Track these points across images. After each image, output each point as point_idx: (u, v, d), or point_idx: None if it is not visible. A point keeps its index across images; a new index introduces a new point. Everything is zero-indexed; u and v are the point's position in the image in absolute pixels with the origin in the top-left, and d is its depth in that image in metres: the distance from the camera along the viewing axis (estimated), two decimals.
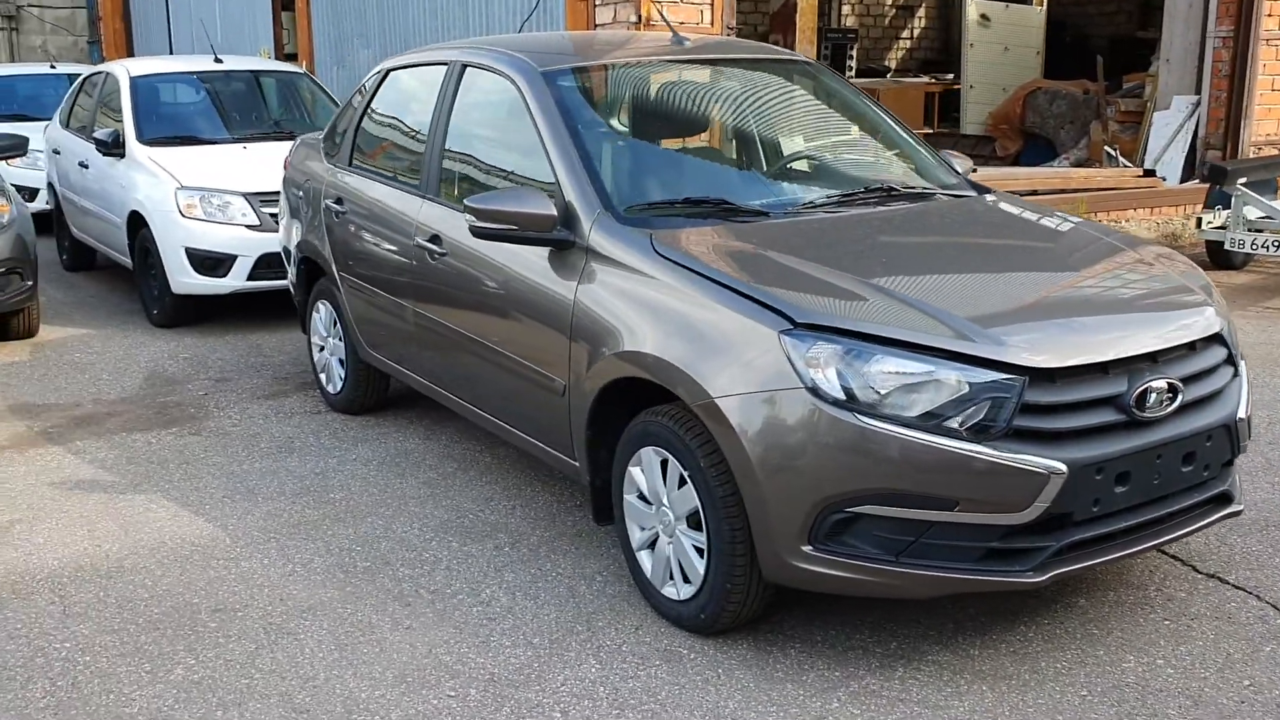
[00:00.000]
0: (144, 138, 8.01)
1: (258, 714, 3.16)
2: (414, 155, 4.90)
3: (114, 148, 7.98)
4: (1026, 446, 3.02)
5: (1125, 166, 11.00)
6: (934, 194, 4.28)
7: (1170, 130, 11.13)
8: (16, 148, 7.97)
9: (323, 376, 5.88)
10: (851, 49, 20.27)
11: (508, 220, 3.82)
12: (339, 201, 5.34)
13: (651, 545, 3.63)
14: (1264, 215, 8.35)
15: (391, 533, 4.31)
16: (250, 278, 7.27)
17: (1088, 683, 3.24)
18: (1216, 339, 3.46)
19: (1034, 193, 9.69)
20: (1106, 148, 11.53)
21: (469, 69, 4.64)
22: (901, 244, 3.75)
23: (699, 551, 3.40)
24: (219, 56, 8.96)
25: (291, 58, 13.16)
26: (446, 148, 4.66)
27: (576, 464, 3.92)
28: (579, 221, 3.81)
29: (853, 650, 3.43)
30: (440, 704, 3.19)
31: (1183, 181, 10.76)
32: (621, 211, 3.80)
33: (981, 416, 3.02)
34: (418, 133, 4.91)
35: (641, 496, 3.63)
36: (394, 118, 5.25)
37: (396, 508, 4.55)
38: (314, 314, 5.87)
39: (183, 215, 7.30)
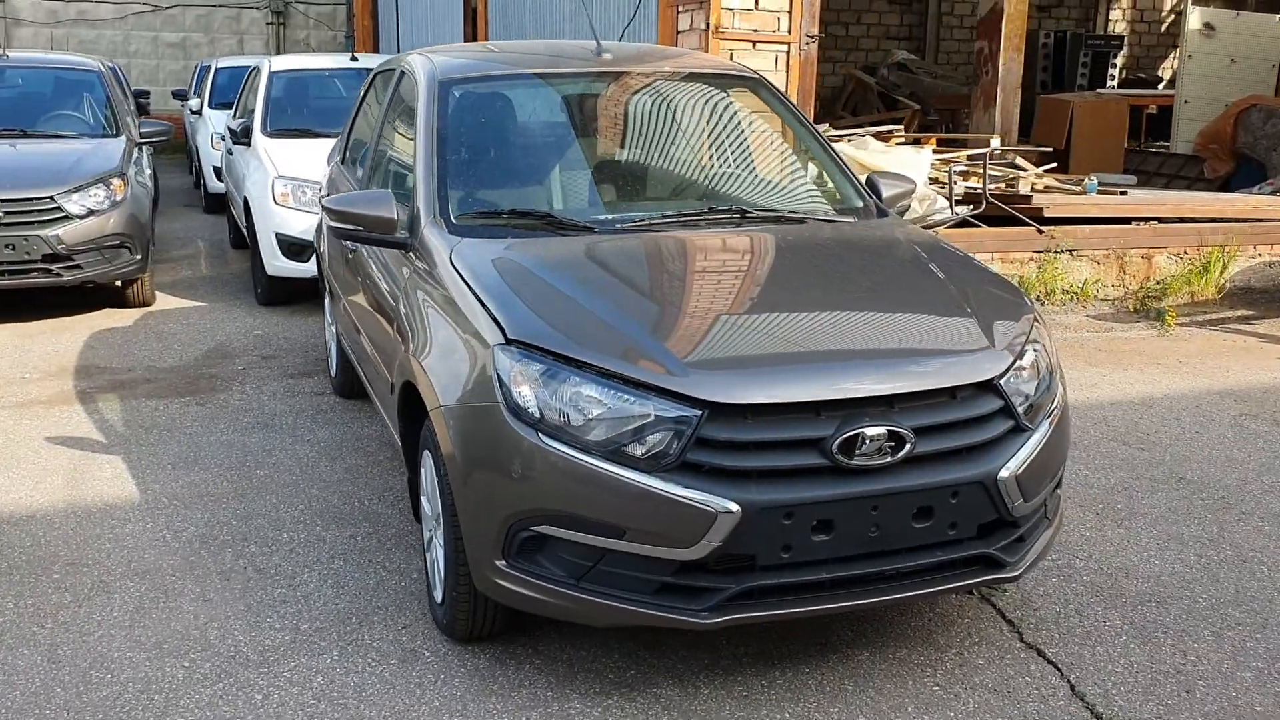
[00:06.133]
0: (268, 129, 8.68)
1: (24, 660, 3.47)
2: (360, 156, 5.14)
3: (242, 137, 8.70)
4: (700, 482, 2.91)
5: None
6: (802, 218, 4.11)
7: None
8: (162, 134, 8.80)
9: (331, 361, 6.24)
10: (1115, 57, 19.16)
11: (354, 221, 3.97)
12: (327, 195, 5.66)
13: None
14: None
15: (275, 512, 4.57)
16: None
17: None
18: (989, 388, 3.17)
19: (1178, 220, 8.89)
20: None
21: (405, 75, 4.83)
22: (693, 268, 3.63)
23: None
24: (355, 55, 9.55)
25: None
26: (379, 149, 4.87)
27: None
28: (419, 225, 3.92)
29: (584, 673, 3.39)
30: (167, 671, 3.40)
31: None
32: (453, 219, 3.88)
33: (662, 447, 2.94)
34: (369, 133, 5.15)
35: (428, 499, 3.71)
36: (364, 119, 5.51)
37: (300, 489, 4.80)
38: (327, 300, 6.24)
39: (276, 203, 7.88)
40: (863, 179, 4.42)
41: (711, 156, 4.46)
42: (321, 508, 4.61)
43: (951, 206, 8.62)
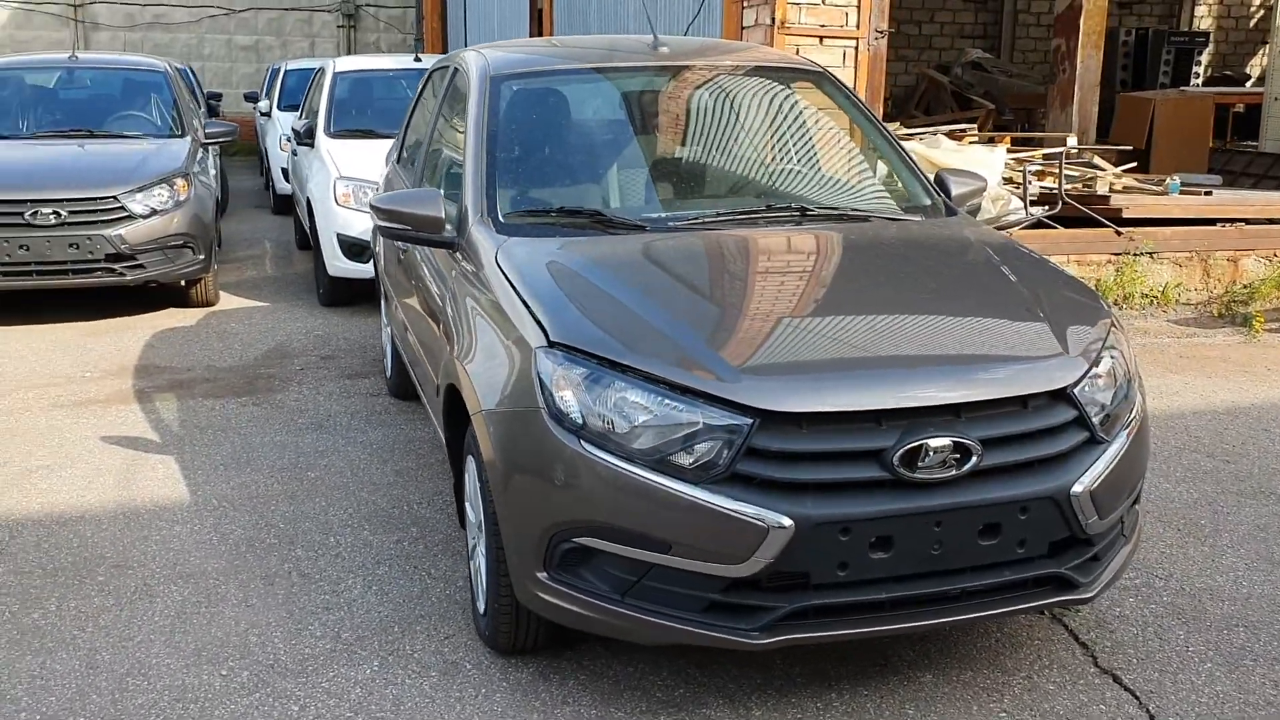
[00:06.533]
0: (331, 130, 8.67)
1: (63, 664, 3.41)
2: (415, 154, 5.05)
3: (306, 138, 8.69)
4: (751, 494, 2.75)
5: None
6: (866, 216, 3.92)
7: None
8: (227, 134, 8.83)
9: (387, 362, 6.17)
10: (1200, 54, 18.66)
11: (402, 220, 3.86)
12: None
13: None
14: None
15: (323, 515, 4.48)
16: None
17: None
18: (1062, 397, 2.97)
19: (1267, 221, 8.51)
20: None
21: (458, 71, 4.73)
22: (747, 268, 3.48)
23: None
24: (419, 56, 9.50)
25: None
26: (433, 147, 4.77)
27: None
28: (467, 224, 3.81)
29: (631, 691, 3.24)
30: (204, 680, 3.32)
31: None
32: (501, 218, 3.76)
33: (711, 457, 2.79)
34: (425, 132, 5.06)
35: (472, 505, 3.59)
36: (420, 117, 5.42)
37: (350, 492, 4.72)
38: (383, 301, 6.16)
39: (338, 204, 7.84)
40: (932, 177, 4.22)
41: (771, 153, 4.29)
42: (370, 511, 4.52)
43: (1026, 207, 8.35)
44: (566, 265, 3.42)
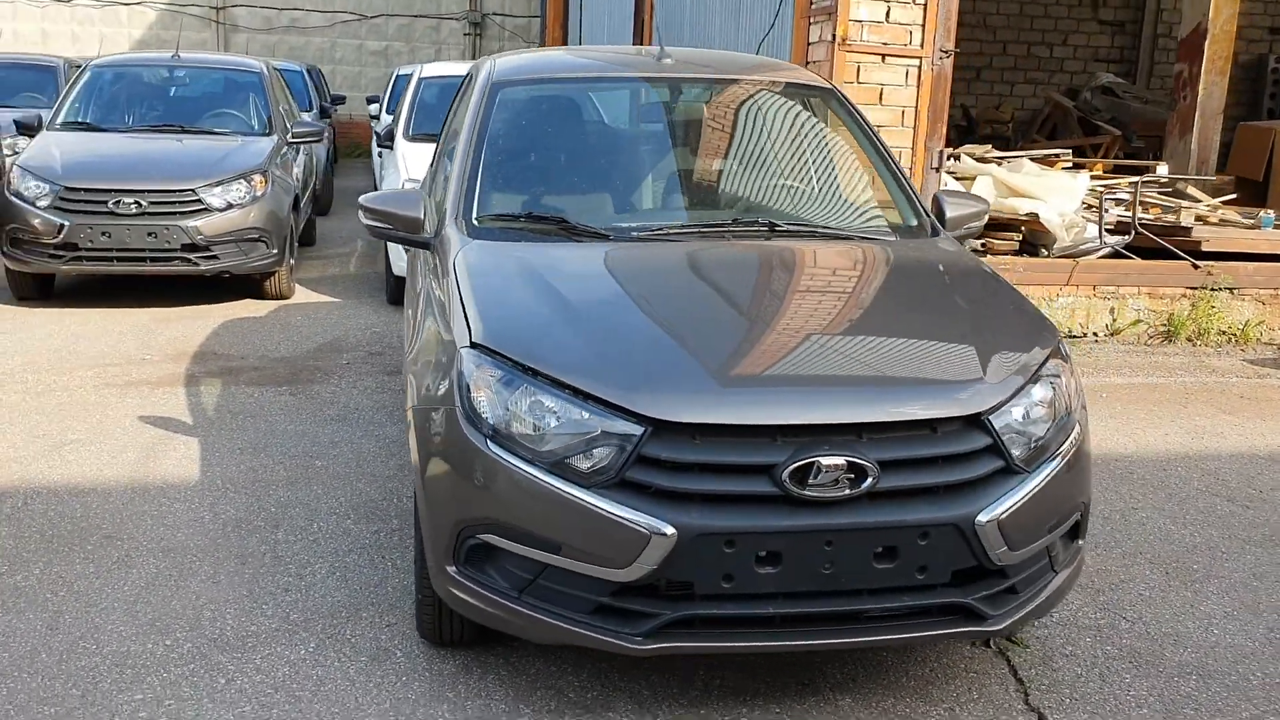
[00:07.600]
0: (410, 134, 8.92)
1: (27, 624, 3.61)
2: (438, 157, 5.19)
3: (386, 140, 8.97)
4: (639, 501, 2.77)
5: None
6: (837, 234, 3.89)
7: None
8: (314, 134, 9.17)
9: None
10: None
11: (385, 219, 3.99)
12: None
13: None
14: None
15: (315, 502, 4.64)
16: None
17: None
18: (975, 424, 2.91)
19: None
20: None
21: (473, 78, 4.84)
22: (688, 280, 3.50)
23: None
24: None
25: None
26: (445, 149, 4.90)
27: None
28: (443, 225, 3.91)
29: (544, 689, 3.28)
30: (148, 648, 3.47)
31: None
32: (474, 220, 3.86)
33: (606, 463, 2.82)
34: (441, 138, 5.20)
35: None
36: (447, 124, 5.55)
37: (348, 482, 4.87)
38: None
39: None
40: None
41: (757, 167, 4.28)
42: (360, 501, 4.66)
43: (1101, 235, 8.11)
44: (515, 269, 3.49)
